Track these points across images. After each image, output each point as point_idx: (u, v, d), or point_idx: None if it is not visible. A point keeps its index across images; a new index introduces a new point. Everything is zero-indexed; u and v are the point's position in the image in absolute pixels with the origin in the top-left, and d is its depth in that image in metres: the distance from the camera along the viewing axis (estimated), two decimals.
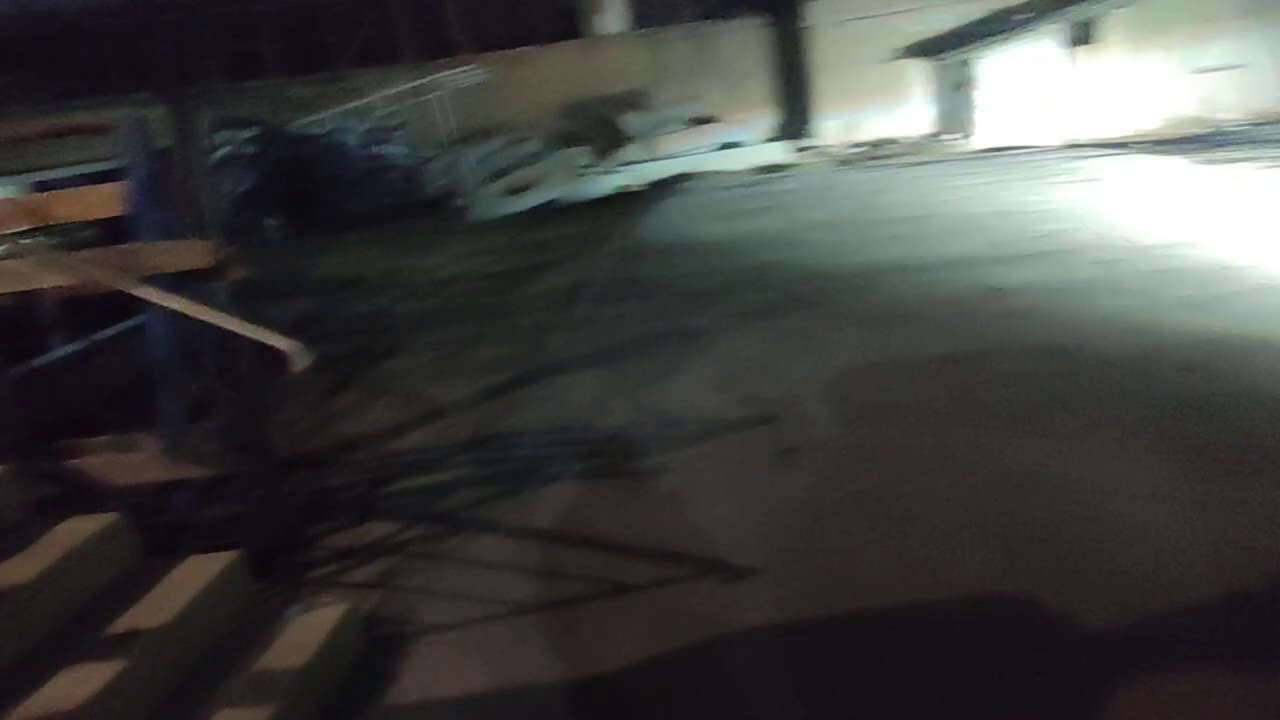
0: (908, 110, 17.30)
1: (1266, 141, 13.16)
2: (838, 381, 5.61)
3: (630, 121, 18.02)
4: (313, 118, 16.95)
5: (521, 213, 15.66)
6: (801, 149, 17.17)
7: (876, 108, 17.33)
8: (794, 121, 18.23)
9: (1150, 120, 15.62)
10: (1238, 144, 13.24)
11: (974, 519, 3.78)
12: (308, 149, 16.74)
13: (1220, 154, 12.46)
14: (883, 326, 6.66)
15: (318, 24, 18.71)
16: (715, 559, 3.67)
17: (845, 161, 16.20)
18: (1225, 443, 4.20)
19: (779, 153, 17.02)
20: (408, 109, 17.68)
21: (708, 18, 18.86)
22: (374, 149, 17.15)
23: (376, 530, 4.19)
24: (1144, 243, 8.12)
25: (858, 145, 16.95)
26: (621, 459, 4.82)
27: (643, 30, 19.16)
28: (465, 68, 18.01)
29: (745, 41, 18.71)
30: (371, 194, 16.66)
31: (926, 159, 15.49)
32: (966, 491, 4.02)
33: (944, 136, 16.60)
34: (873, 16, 17.07)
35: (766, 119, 18.40)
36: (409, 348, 7.70)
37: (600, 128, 18.18)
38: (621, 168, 17.06)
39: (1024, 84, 16.21)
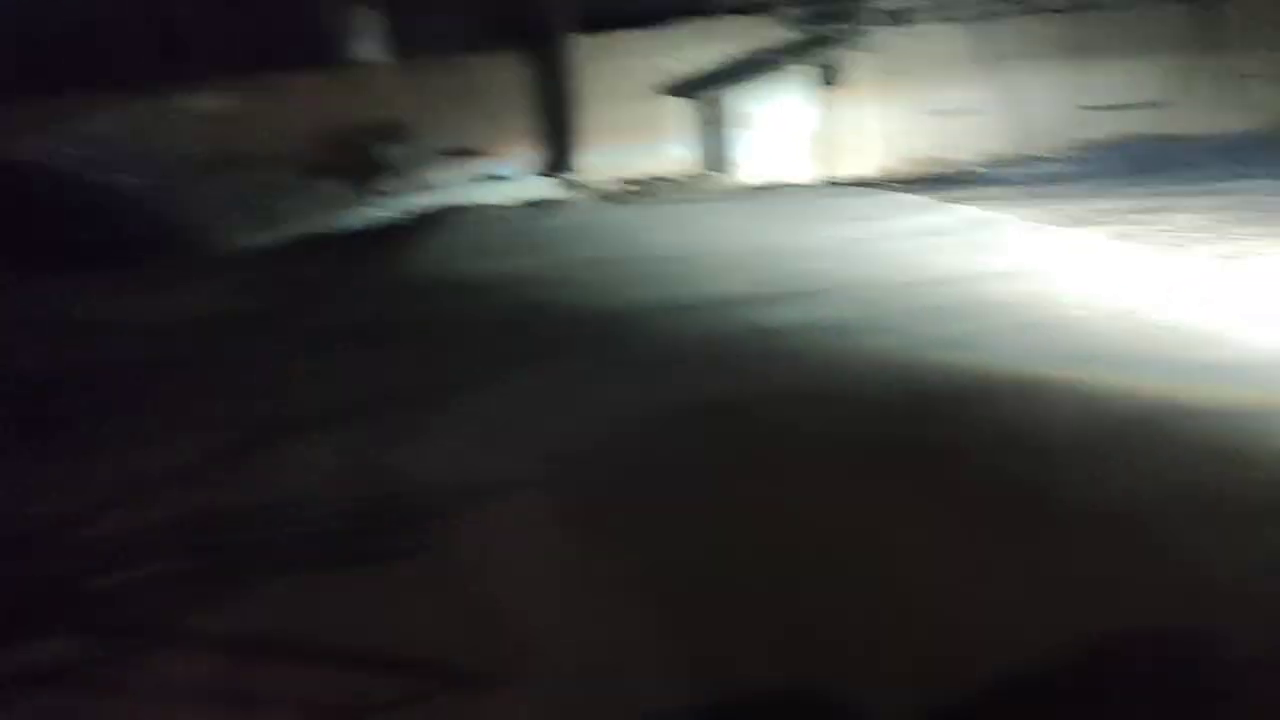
0: (672, 147, 17.37)
1: (1001, 182, 13.98)
2: (611, 435, 5.22)
3: (390, 153, 17.23)
4: (31, 142, 15.21)
5: (272, 247, 14.58)
6: (568, 184, 16.93)
7: (642, 144, 17.31)
8: (560, 156, 17.96)
9: (896, 160, 16.34)
10: (975, 184, 13.99)
11: (752, 594, 3.45)
12: (23, 176, 14.98)
13: (960, 193, 13.06)
14: (654, 372, 6.34)
15: (39, 38, 16.87)
16: (467, 664, 3.15)
17: (611, 198, 16.07)
18: (1001, 496, 4.08)
19: (545, 188, 16.71)
20: (145, 135, 16.17)
21: (472, 48, 18.34)
22: (104, 177, 15.54)
23: (35, 652, 3.39)
24: (900, 281, 8.23)
25: (624, 181, 16.87)
26: (364, 539, 4.21)
27: (403, 59, 18.42)
28: (210, 92, 16.71)
29: (511, 74, 18.31)
30: (101, 227, 15.06)
31: (691, 196, 15.57)
32: (746, 560, 3.69)
33: (707, 174, 16.78)
34: (637, 54, 17.08)
35: (532, 153, 18.04)
36: (123, 404, 6.74)
37: (359, 158, 17.28)
38: (381, 200, 16.27)
39: (781, 123, 16.63)
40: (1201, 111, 15.98)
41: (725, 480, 4.49)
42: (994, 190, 13.07)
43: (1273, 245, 8.09)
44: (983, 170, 15.36)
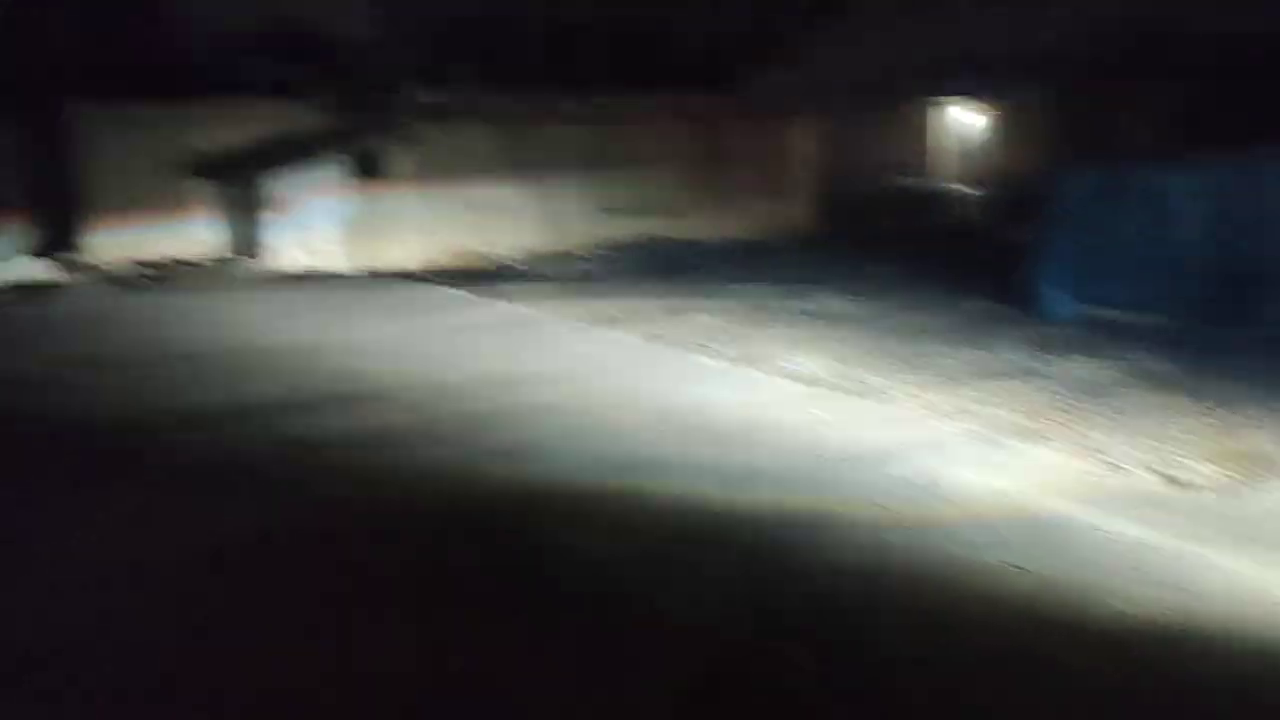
0: (198, 230, 16.06)
1: (536, 278, 14.49)
2: (107, 601, 4.35)
3: None
4: None
5: None
6: (70, 266, 14.97)
7: (164, 225, 15.80)
8: (62, 235, 15.87)
9: (435, 253, 16.40)
10: (512, 280, 14.37)
11: None
12: None
13: (499, 288, 13.29)
14: (164, 504, 5.47)
15: None
16: None
17: (125, 283, 14.44)
18: (573, 623, 3.97)
19: (40, 269, 14.63)
20: None
21: None
22: None
23: None
24: (446, 382, 8.05)
25: (140, 264, 15.25)
26: None
27: None
28: None
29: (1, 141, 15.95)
30: None
31: (217, 284, 14.44)
32: None
33: (236, 260, 15.70)
34: (161, 128, 15.64)
35: (23, 229, 15.77)
36: None
37: None
38: None
39: (317, 211, 16.05)
40: (707, 219, 17.91)
41: (262, 645, 3.93)
42: (530, 286, 13.47)
43: (785, 348, 9.01)
44: (519, 266, 15.87)
